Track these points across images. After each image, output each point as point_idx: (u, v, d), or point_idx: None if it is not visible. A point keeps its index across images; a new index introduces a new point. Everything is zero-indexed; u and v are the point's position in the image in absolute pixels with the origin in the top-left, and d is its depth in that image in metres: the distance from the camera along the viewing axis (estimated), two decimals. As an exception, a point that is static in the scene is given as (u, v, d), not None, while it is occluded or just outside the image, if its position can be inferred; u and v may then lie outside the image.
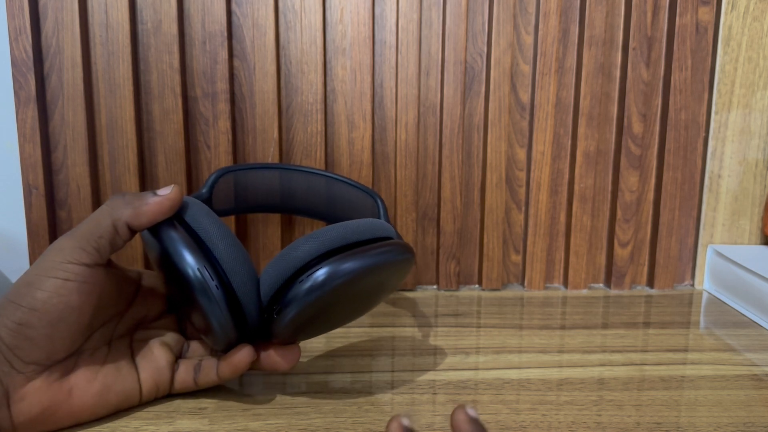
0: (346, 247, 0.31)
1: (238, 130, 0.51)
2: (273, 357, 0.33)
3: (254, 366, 0.34)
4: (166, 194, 0.31)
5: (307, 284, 0.29)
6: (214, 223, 0.32)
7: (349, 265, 0.30)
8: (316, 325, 0.33)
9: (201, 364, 0.34)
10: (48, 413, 0.30)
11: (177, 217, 0.32)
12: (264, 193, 0.47)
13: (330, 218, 0.48)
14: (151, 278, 0.36)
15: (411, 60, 0.51)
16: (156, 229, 0.31)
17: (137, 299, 0.35)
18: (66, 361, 0.30)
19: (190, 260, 0.30)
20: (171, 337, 0.35)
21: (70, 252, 0.29)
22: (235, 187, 0.45)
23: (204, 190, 0.41)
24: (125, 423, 0.32)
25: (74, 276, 0.29)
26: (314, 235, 0.31)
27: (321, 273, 0.29)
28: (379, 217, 0.42)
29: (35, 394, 0.29)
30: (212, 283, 0.30)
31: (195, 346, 0.36)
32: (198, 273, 0.30)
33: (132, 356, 0.34)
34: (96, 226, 0.30)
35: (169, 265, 0.31)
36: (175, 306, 0.37)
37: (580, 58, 0.52)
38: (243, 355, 0.32)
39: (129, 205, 0.31)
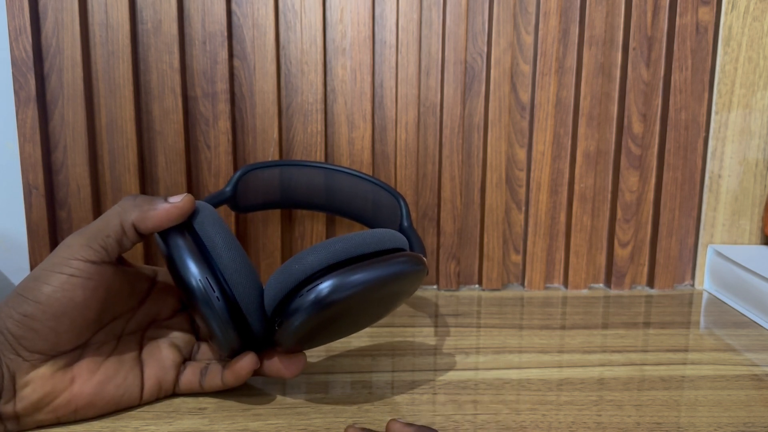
0: (351, 261, 0.31)
1: (238, 130, 0.51)
2: (277, 365, 0.34)
3: (259, 373, 0.34)
4: (176, 202, 0.32)
5: (310, 297, 0.29)
6: (220, 232, 0.32)
7: (354, 278, 0.29)
8: (320, 335, 0.33)
9: (208, 368, 0.35)
10: (47, 399, 0.30)
11: (186, 224, 0.32)
12: (287, 189, 0.48)
13: (350, 216, 0.49)
14: (166, 276, 0.37)
15: (411, 60, 0.51)
16: (165, 235, 0.32)
17: (150, 297, 0.35)
18: (72, 352, 0.31)
19: (193, 270, 0.30)
20: (182, 338, 0.36)
21: (78, 249, 0.30)
22: (261, 184, 0.46)
23: (228, 188, 0.42)
24: (125, 423, 0.32)
25: (79, 272, 0.29)
26: (319, 247, 0.31)
27: (324, 286, 0.29)
28: (401, 221, 0.42)
29: (39, 381, 0.30)
30: (213, 294, 0.30)
31: (205, 349, 0.37)
32: (200, 283, 0.30)
33: (139, 353, 0.34)
34: (105, 225, 0.31)
35: (174, 271, 0.31)
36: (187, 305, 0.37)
37: (580, 58, 0.52)
38: (246, 363, 0.33)
39: (138, 208, 0.31)
